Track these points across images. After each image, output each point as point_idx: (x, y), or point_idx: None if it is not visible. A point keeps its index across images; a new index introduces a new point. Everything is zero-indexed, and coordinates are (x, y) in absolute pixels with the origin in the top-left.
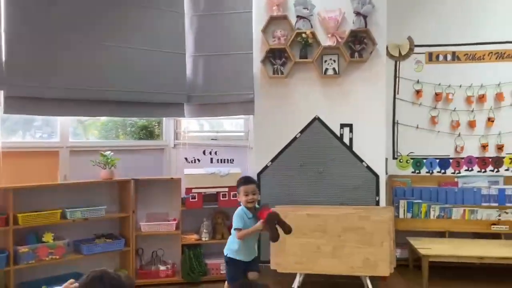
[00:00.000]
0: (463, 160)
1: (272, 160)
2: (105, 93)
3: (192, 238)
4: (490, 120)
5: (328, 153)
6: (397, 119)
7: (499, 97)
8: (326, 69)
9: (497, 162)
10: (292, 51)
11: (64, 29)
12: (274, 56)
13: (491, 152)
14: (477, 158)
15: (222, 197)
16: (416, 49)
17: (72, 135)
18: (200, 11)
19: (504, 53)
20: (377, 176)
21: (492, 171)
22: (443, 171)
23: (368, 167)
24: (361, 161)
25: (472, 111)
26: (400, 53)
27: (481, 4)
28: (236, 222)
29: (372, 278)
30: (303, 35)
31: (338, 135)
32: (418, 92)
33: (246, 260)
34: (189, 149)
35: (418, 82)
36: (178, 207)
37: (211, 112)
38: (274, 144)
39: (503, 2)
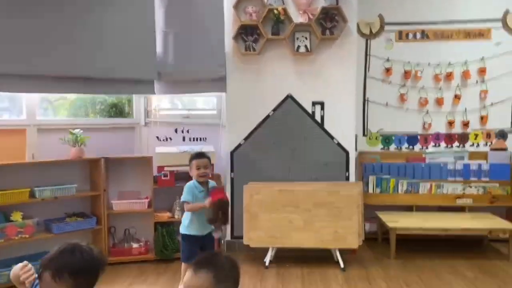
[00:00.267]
0: (430, 136)
1: (245, 138)
2: (71, 69)
3: (165, 216)
4: (456, 97)
5: (300, 130)
6: (367, 96)
7: (465, 74)
8: (298, 46)
9: (463, 138)
10: (264, 28)
11: (29, 1)
12: (246, 32)
13: (457, 129)
14: (444, 134)
15: None
16: (387, 27)
17: (42, 115)
18: None
19: (471, 32)
20: (347, 153)
21: (458, 146)
22: (411, 147)
23: (338, 144)
24: (332, 138)
25: (440, 88)
26: (371, 31)
27: None
28: (184, 195)
29: (342, 251)
30: (275, 11)
31: (310, 113)
32: (388, 70)
33: (199, 234)
34: (160, 128)
35: (388, 60)
36: (150, 186)
37: (182, 89)
38: (247, 122)
39: None
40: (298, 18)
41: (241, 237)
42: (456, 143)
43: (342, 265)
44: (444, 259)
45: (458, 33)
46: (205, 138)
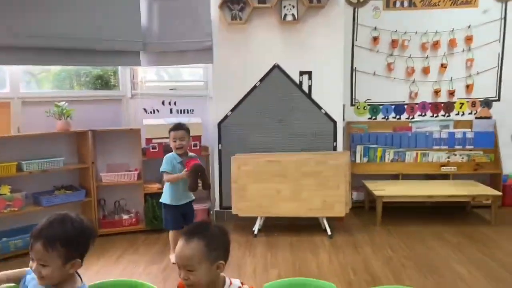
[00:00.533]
0: (417, 105)
1: (232, 110)
2: (54, 41)
3: (154, 187)
4: (443, 66)
5: (288, 101)
6: (355, 66)
7: (452, 43)
8: (285, 14)
9: (448, 107)
10: None
11: None
12: (232, 1)
13: (443, 98)
14: (430, 103)
15: None
16: None
17: (26, 89)
18: None
19: None
20: (334, 123)
21: (444, 115)
22: (398, 116)
23: (326, 114)
24: (320, 108)
25: (427, 57)
26: None
27: None
28: (163, 165)
29: (329, 219)
30: None
31: (298, 82)
32: (375, 39)
33: (177, 204)
34: (147, 100)
35: (375, 29)
36: (139, 158)
37: (168, 60)
38: (234, 93)
39: None
40: None
41: (230, 208)
42: (442, 112)
43: (329, 232)
44: (429, 225)
45: (445, 1)
46: (192, 110)
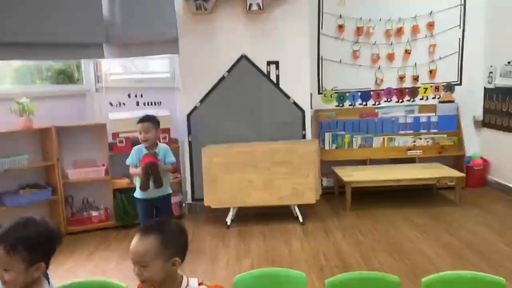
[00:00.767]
0: (382, 92)
1: (201, 101)
2: (13, 35)
3: (123, 182)
4: (407, 52)
5: (256, 91)
6: (321, 54)
7: (415, 29)
8: (250, 4)
9: (413, 92)
10: None
11: None
12: None
13: (407, 83)
14: (395, 89)
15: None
16: None
17: None
18: None
19: None
20: (303, 111)
21: (409, 100)
22: (364, 103)
23: (294, 103)
24: (288, 97)
25: (391, 44)
26: None
27: None
28: (128, 158)
29: (301, 206)
30: None
31: (265, 72)
32: (340, 27)
33: (150, 197)
34: (113, 93)
35: (340, 17)
36: (106, 153)
37: (132, 52)
38: (202, 84)
39: None
40: None
41: (202, 199)
42: (407, 98)
43: (301, 219)
44: (397, 208)
45: None
46: (160, 102)
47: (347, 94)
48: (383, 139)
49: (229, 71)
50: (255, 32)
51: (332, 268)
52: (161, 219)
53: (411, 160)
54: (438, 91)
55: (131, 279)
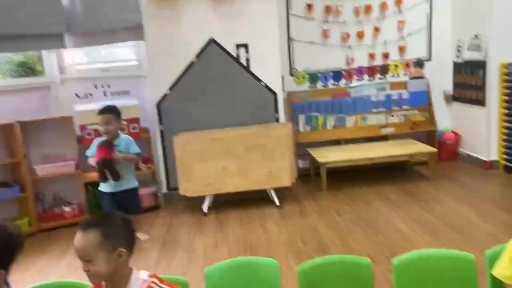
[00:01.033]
0: (354, 71)
1: (171, 88)
2: None
3: (95, 175)
4: (376, 29)
5: (227, 75)
6: (291, 35)
7: (383, 6)
8: None
9: (384, 69)
10: None
11: None
12: None
13: (378, 61)
14: (366, 67)
15: (120, 131)
16: None
17: None
18: None
19: None
20: (275, 94)
21: (380, 78)
22: (336, 83)
23: (266, 86)
24: (259, 80)
25: (360, 22)
26: None
27: None
28: (89, 149)
29: (278, 190)
30: None
31: (235, 56)
32: (309, 6)
33: (111, 191)
34: (78, 84)
35: None
36: (75, 146)
37: (95, 40)
38: (171, 70)
39: None
40: None
41: (177, 189)
42: (378, 75)
43: (278, 203)
44: (372, 186)
45: None
46: (128, 91)
47: (319, 75)
48: (356, 118)
49: (197, 56)
50: (222, 15)
51: (309, 251)
52: (103, 213)
53: (384, 138)
54: (408, 67)
55: None
